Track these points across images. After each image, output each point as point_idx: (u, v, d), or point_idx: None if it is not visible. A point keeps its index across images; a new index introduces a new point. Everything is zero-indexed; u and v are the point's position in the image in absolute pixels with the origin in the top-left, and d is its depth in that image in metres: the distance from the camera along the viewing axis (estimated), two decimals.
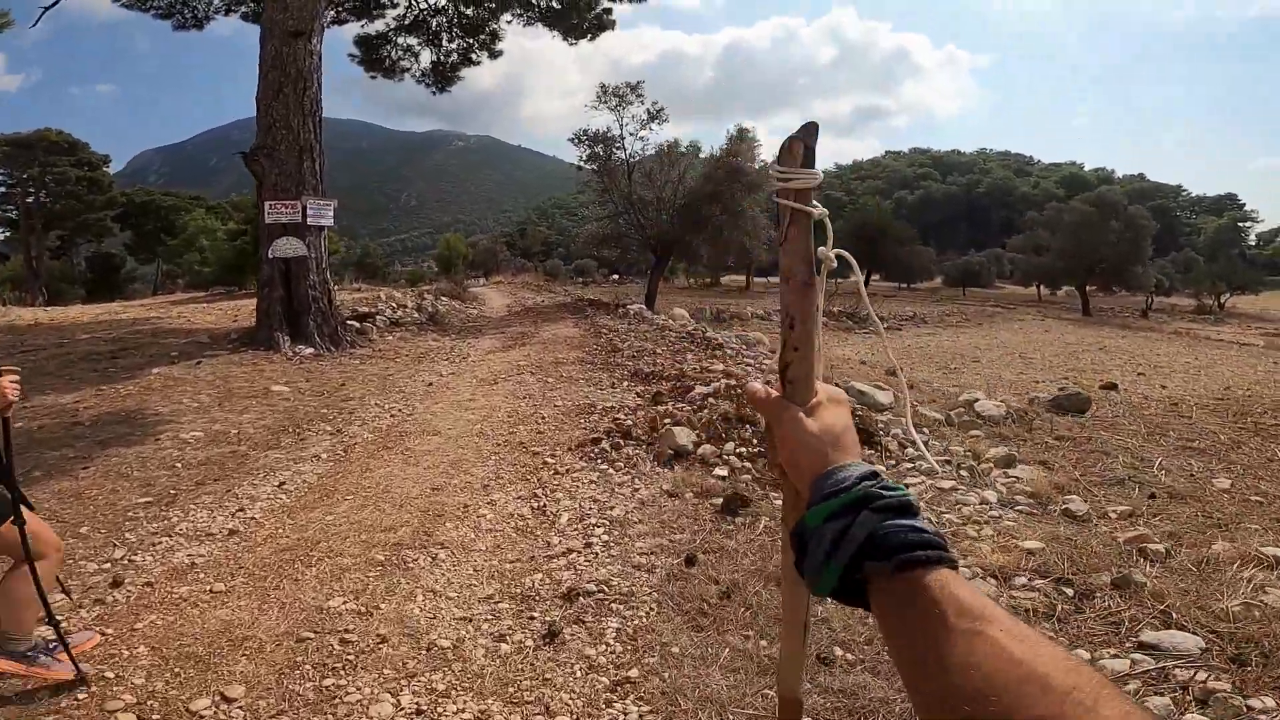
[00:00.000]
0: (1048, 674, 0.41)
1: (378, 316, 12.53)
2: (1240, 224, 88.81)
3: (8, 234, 40.13)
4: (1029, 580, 3.06)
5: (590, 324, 13.02)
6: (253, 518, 4.11)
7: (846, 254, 0.71)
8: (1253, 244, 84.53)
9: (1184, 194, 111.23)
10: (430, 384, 7.51)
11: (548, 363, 8.48)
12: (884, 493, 0.55)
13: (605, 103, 21.51)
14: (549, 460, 4.83)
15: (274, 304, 9.69)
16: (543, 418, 5.86)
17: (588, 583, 3.11)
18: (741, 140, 20.02)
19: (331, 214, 10.30)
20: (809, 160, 0.66)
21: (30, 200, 38.25)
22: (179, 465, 5.02)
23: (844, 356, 16.00)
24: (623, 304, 16.24)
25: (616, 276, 50.35)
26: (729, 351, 8.75)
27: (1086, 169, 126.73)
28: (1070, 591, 2.95)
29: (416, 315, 14.76)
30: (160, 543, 3.73)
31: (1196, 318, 36.13)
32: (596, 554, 3.43)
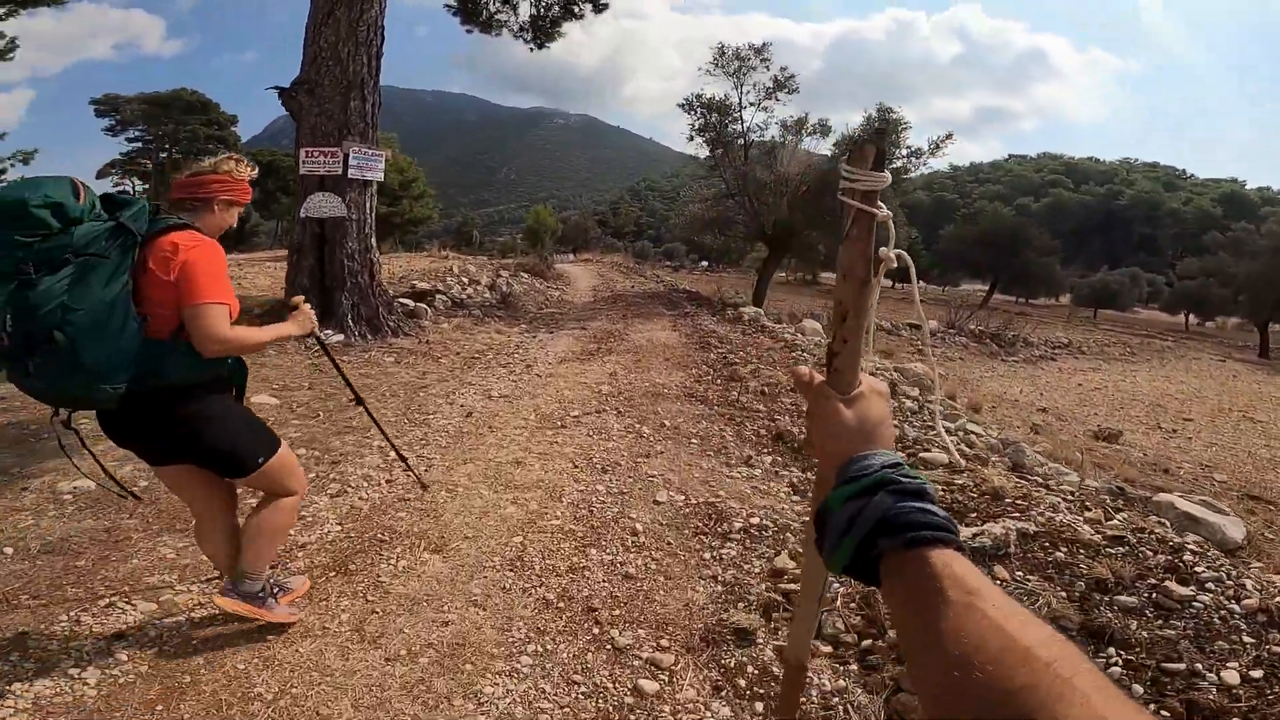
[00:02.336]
0: (1030, 646, 0.42)
1: (438, 296, 10.37)
2: None
3: (145, 187, 43.36)
4: None
5: (692, 327, 10.35)
6: None
7: (906, 255, 0.72)
8: None
9: None
10: (470, 414, 5.09)
11: (640, 393, 5.89)
12: (902, 479, 0.58)
13: (723, 68, 18.58)
14: (646, 683, 2.23)
15: (302, 276, 7.63)
16: (635, 532, 3.26)
17: None
18: (885, 120, 16.62)
19: (381, 167, 8.11)
20: (879, 164, 0.68)
21: (164, 156, 40.68)
22: (12, 550, 2.86)
23: (1002, 394, 12.62)
24: (730, 303, 13.42)
25: (706, 264, 47.66)
26: (905, 401, 5.87)
27: (1249, 187, 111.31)
28: None
29: (488, 295, 12.59)
30: None
31: None
32: None
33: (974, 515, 3.31)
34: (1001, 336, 19.19)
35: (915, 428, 5.18)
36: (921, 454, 4.27)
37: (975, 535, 3.03)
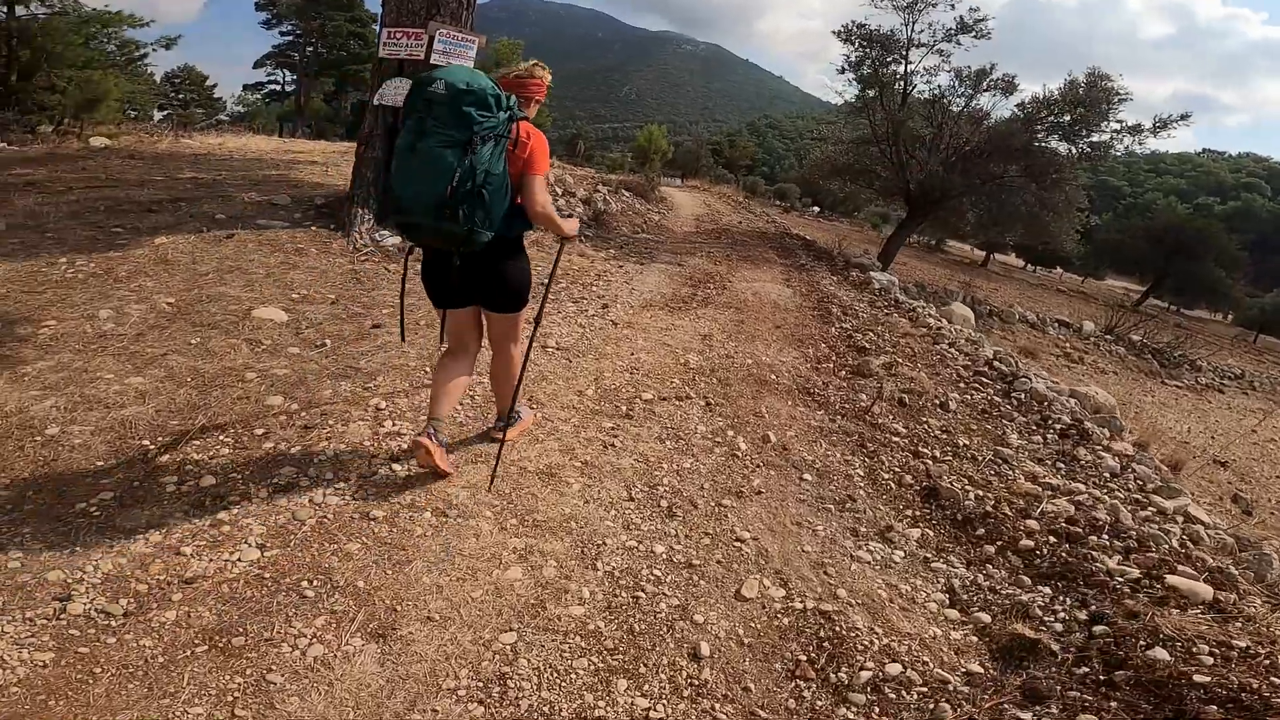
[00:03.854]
0: None
1: None
2: None
3: (293, 77, 44.90)
4: None
5: (808, 284, 8.71)
6: None
7: None
8: None
9: None
10: (488, 400, 3.91)
11: (740, 375, 4.50)
12: None
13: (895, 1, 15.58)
14: None
15: (366, 169, 6.59)
16: (696, 656, 1.96)
17: None
18: (1095, 88, 13.47)
19: (472, 55, 6.80)
20: None
21: (310, 50, 42.04)
22: None
23: (1167, 431, 10.31)
24: (855, 262, 11.48)
25: (818, 210, 44.60)
26: (1101, 454, 4.18)
27: None
28: None
29: (580, 210, 11.30)
30: None
31: None
32: None
33: None
34: (1167, 354, 16.15)
35: (1123, 501, 3.58)
36: (1166, 575, 2.71)
37: None
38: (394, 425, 3.04)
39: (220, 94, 44.59)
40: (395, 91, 6.57)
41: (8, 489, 2.27)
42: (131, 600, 1.88)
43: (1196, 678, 2.18)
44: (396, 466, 2.69)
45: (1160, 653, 2.31)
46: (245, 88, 46.00)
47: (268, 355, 3.56)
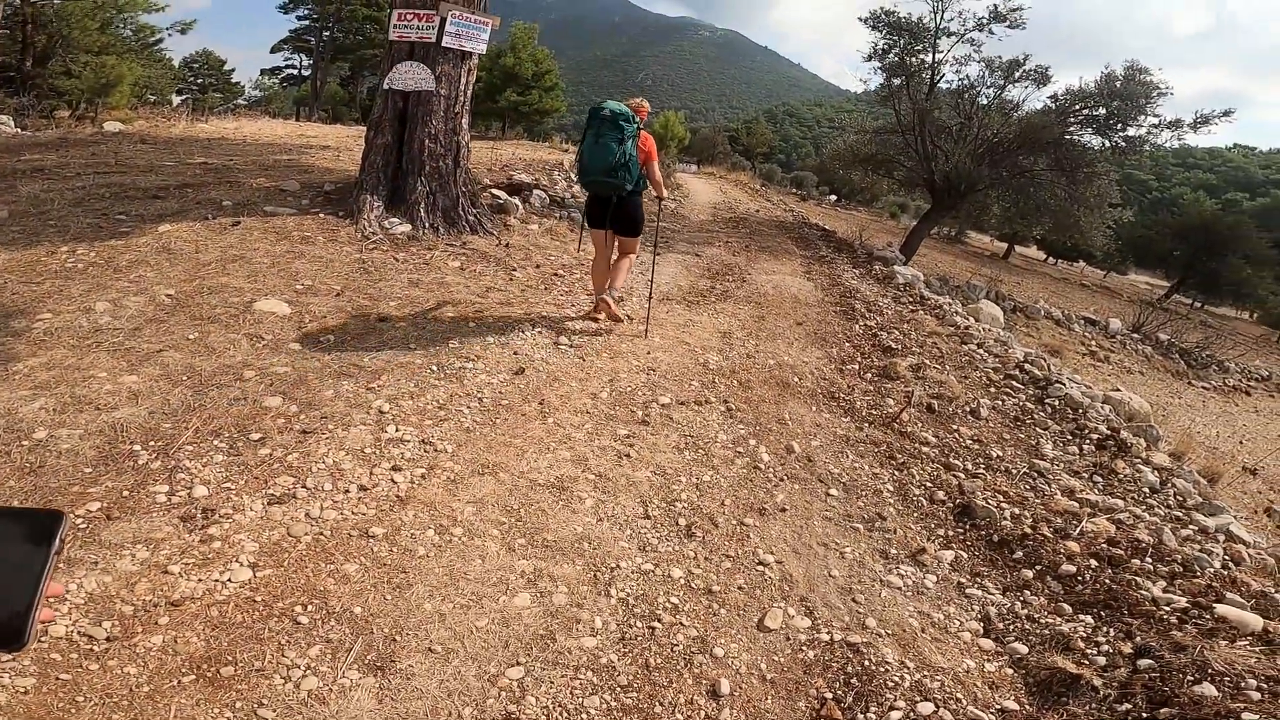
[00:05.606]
0: None
1: (536, 191, 8.98)
2: None
3: (310, 62, 45.22)
4: None
5: (829, 277, 8.48)
6: None
7: None
8: None
9: None
10: (522, 371, 3.74)
11: (762, 378, 4.31)
12: None
13: None
14: None
15: (376, 155, 6.44)
16: (715, 694, 1.80)
17: None
18: (1132, 81, 13.02)
19: (485, 37, 6.61)
20: None
21: (326, 34, 42.23)
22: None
23: (1194, 435, 10.00)
24: (878, 255, 11.19)
25: (835, 198, 44.04)
26: (1141, 468, 3.97)
27: None
28: None
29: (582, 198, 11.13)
30: None
31: None
32: None
33: None
34: (1195, 354, 15.70)
35: (1165, 520, 3.38)
36: (1215, 605, 2.52)
37: None
38: (397, 430, 2.89)
39: (238, 78, 44.79)
40: (405, 76, 6.40)
41: None
42: (116, 623, 1.76)
43: (1245, 716, 2.04)
44: (398, 478, 2.55)
45: (1208, 688, 2.17)
46: (262, 72, 46.19)
47: (268, 351, 3.44)
